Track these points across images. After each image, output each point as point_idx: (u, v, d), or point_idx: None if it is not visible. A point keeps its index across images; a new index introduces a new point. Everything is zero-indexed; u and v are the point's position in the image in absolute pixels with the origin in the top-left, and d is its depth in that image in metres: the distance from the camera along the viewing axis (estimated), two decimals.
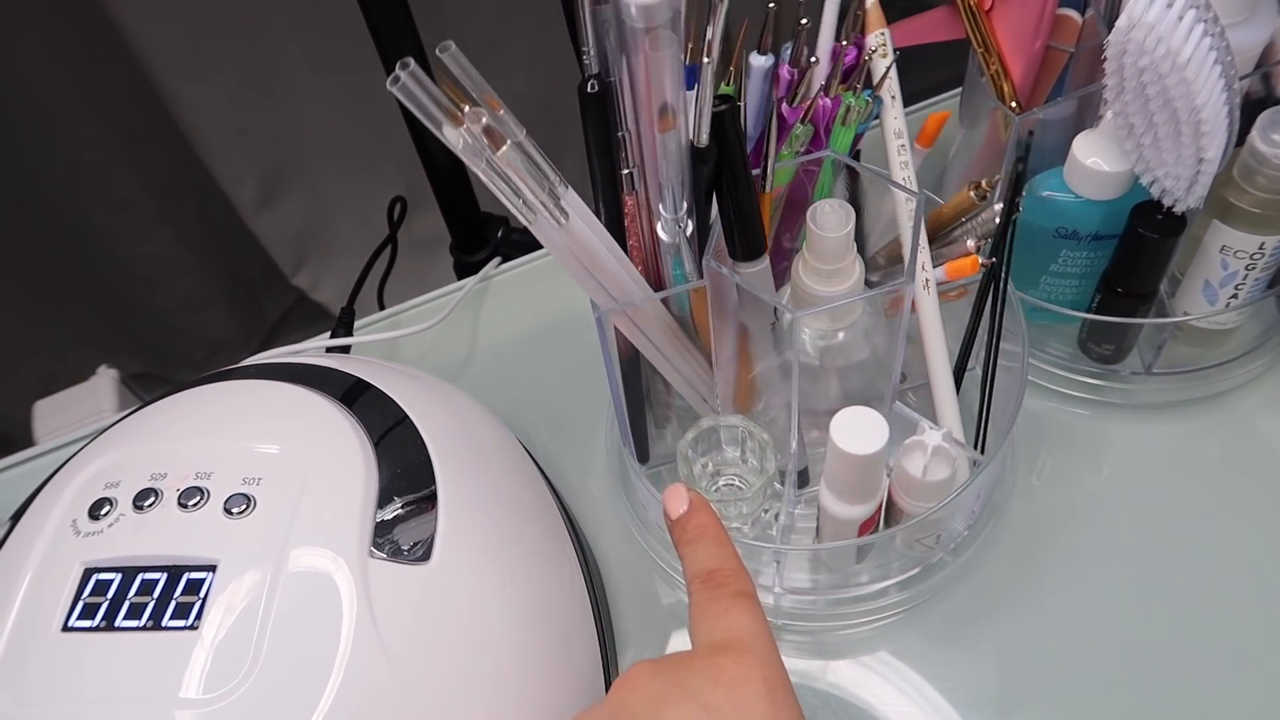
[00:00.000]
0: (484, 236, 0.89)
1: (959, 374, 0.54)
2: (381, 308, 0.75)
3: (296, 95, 1.21)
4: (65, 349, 1.33)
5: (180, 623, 0.38)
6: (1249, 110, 0.52)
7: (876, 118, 0.52)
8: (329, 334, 0.70)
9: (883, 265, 0.56)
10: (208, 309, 1.39)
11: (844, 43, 0.50)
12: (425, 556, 0.42)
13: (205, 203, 1.29)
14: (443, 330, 0.71)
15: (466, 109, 0.35)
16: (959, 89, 0.67)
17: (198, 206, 1.29)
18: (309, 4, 1.13)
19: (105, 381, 1.02)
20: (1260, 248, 0.55)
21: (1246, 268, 0.56)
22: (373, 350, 0.71)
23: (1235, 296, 0.58)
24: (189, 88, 1.16)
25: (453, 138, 0.36)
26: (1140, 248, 0.55)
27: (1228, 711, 0.52)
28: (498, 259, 0.76)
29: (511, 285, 0.76)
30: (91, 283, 1.30)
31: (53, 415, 0.97)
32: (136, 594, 0.39)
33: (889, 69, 0.51)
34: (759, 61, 0.48)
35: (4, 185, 1.16)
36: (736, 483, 0.56)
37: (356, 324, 0.72)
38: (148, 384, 1.39)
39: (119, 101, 1.15)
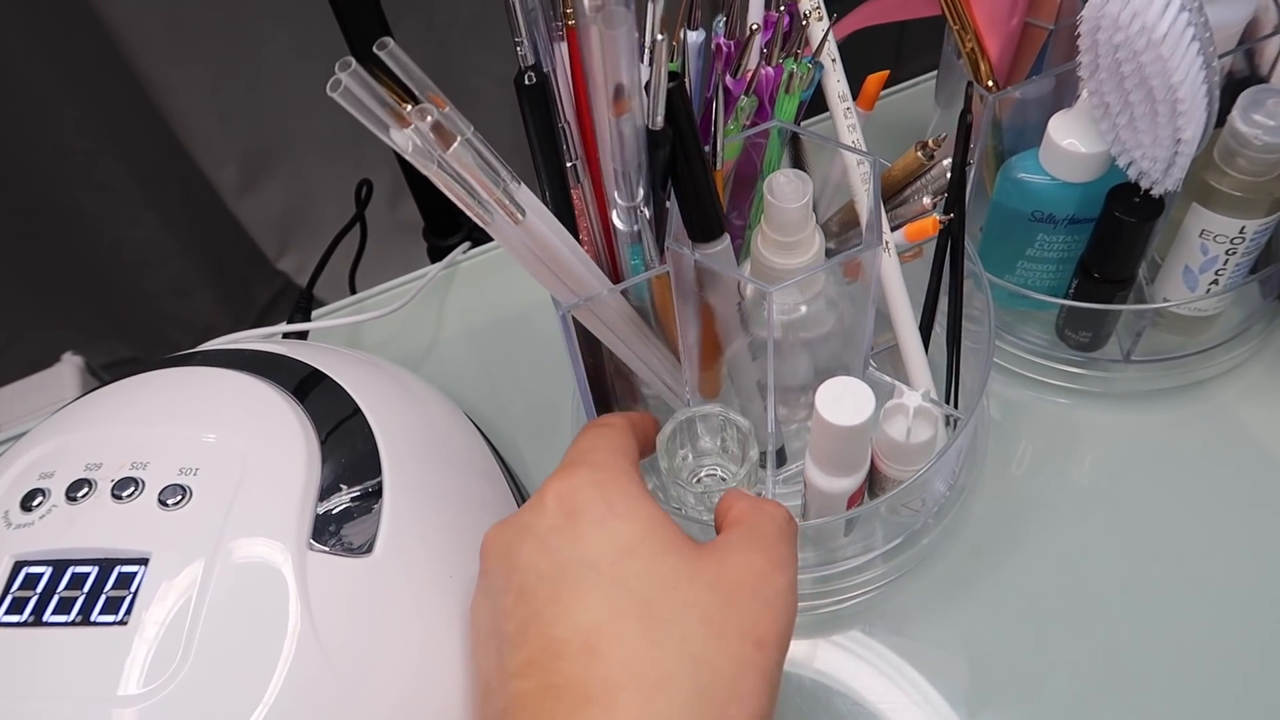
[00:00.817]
0: (456, 222, 0.88)
1: (926, 331, 0.53)
2: (353, 292, 0.74)
3: (278, 79, 1.20)
4: (51, 334, 1.32)
5: (110, 618, 0.37)
6: (1232, 89, 0.51)
7: (817, 83, 0.51)
8: (287, 320, 0.69)
9: (836, 232, 0.55)
10: (195, 294, 1.38)
11: (779, 9, 0.49)
12: (368, 549, 0.41)
13: (189, 187, 1.28)
14: (408, 316, 0.70)
15: (410, 108, 0.34)
16: (934, 71, 0.66)
17: (182, 191, 1.29)
18: None
19: (68, 369, 1.01)
20: (1241, 232, 0.54)
21: (1227, 252, 0.55)
22: (336, 335, 0.70)
23: (1216, 282, 0.57)
24: (170, 72, 1.15)
25: (401, 141, 0.35)
26: (1117, 232, 0.54)
27: (1207, 696, 0.51)
28: (466, 244, 0.75)
29: (480, 270, 0.75)
30: (77, 267, 1.30)
31: (14, 402, 0.97)
32: (66, 588, 0.38)
33: (827, 33, 0.50)
34: (693, 36, 0.47)
35: None
36: (719, 473, 0.55)
37: (323, 308, 0.71)
38: (133, 369, 1.39)
39: (101, 86, 1.15)
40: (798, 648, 0.54)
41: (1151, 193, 0.52)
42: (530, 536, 0.36)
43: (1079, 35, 0.49)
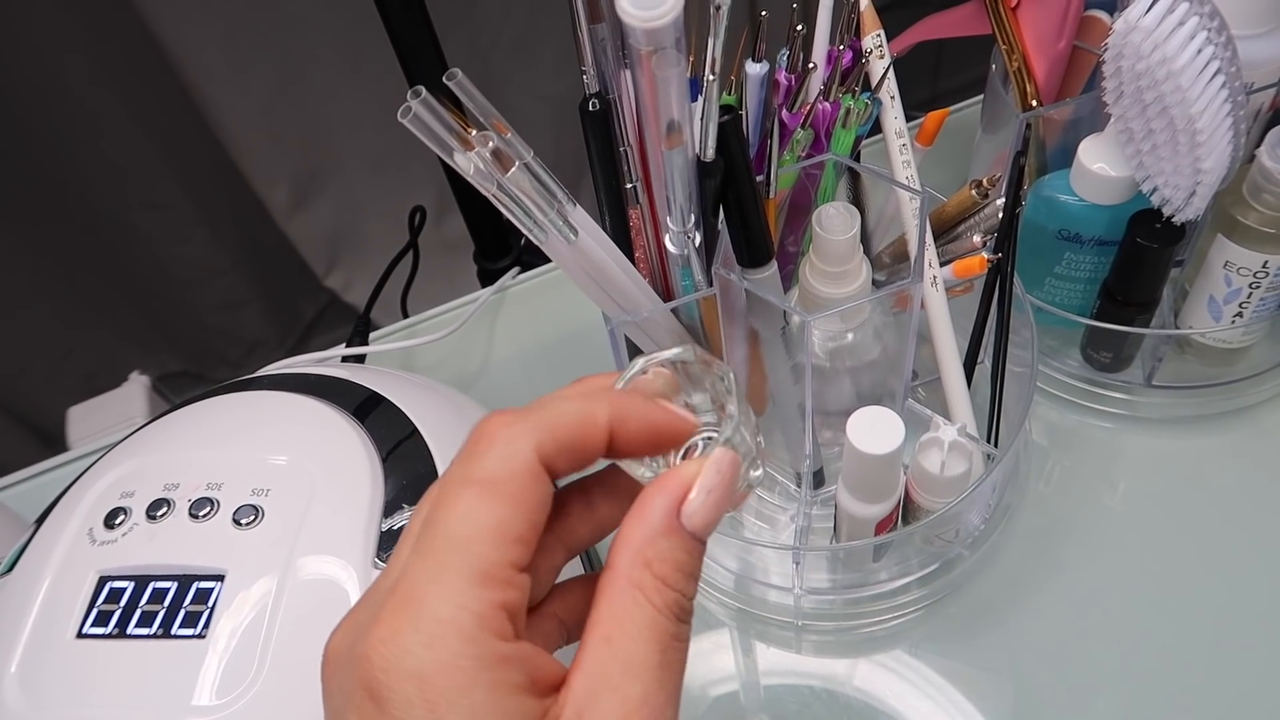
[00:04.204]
0: (506, 244, 0.90)
1: (969, 369, 0.54)
2: (405, 314, 0.76)
3: (328, 100, 1.23)
4: (106, 348, 1.35)
5: (189, 631, 0.39)
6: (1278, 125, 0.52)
7: (877, 119, 0.52)
8: (345, 343, 0.71)
9: (888, 264, 0.56)
10: (243, 309, 1.41)
11: (840, 46, 0.50)
12: None
13: (240, 205, 1.31)
14: (460, 339, 0.72)
15: (474, 134, 0.36)
16: (981, 95, 0.67)
17: (233, 209, 1.31)
18: (340, 10, 1.14)
19: (136, 388, 1.04)
20: (1264, 266, 0.54)
21: (1251, 285, 0.55)
22: (390, 359, 0.72)
23: (1240, 314, 0.57)
24: (223, 93, 1.18)
25: (464, 164, 0.36)
26: (1138, 256, 0.55)
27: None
28: (516, 269, 0.77)
29: (530, 294, 0.77)
30: (131, 283, 1.32)
31: (85, 420, 1.00)
32: (148, 602, 0.40)
33: (886, 70, 0.51)
34: (754, 69, 0.49)
35: (45, 189, 1.18)
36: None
37: (377, 331, 0.72)
38: (185, 383, 1.42)
39: (156, 107, 1.17)
40: (837, 665, 0.55)
41: (1173, 220, 0.52)
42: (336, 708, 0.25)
43: (1103, 62, 0.50)
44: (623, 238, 0.47)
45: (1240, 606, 0.55)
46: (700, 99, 0.40)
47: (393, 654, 0.24)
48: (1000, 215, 0.52)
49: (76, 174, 1.18)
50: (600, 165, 0.46)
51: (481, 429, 0.27)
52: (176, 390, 1.39)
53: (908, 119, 0.53)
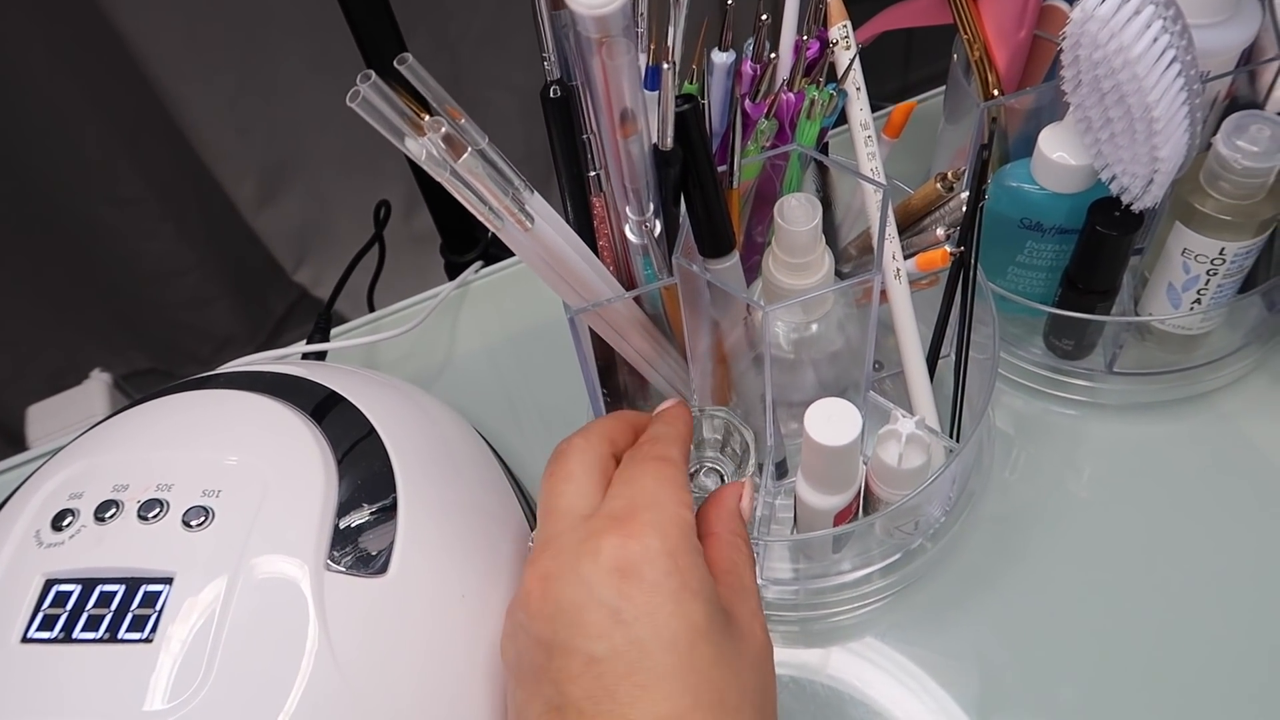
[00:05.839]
0: (474, 238, 0.89)
1: (932, 362, 0.54)
2: (371, 309, 0.75)
3: (295, 94, 1.22)
4: (72, 346, 1.34)
5: (136, 635, 0.38)
6: (1233, 112, 0.52)
7: (842, 111, 0.52)
8: (305, 340, 0.70)
9: (855, 256, 0.56)
10: (212, 305, 1.40)
11: (806, 37, 0.50)
12: (383, 569, 0.43)
13: (207, 200, 1.30)
14: (423, 334, 0.72)
15: (427, 119, 0.36)
16: (944, 85, 0.67)
17: (200, 204, 1.30)
18: (306, 3, 1.13)
19: (98, 385, 1.03)
20: (1220, 253, 0.54)
21: (1208, 272, 0.56)
22: (352, 355, 0.71)
23: (1199, 301, 0.58)
24: (188, 87, 1.17)
25: (415, 149, 0.36)
26: (1098, 244, 0.55)
27: (1212, 703, 0.52)
28: (479, 263, 0.77)
29: (493, 288, 0.77)
30: (97, 280, 1.31)
31: (45, 419, 0.99)
32: (94, 606, 0.39)
33: (852, 61, 0.51)
34: (721, 58, 0.49)
35: (8, 185, 1.17)
36: (720, 469, 0.56)
37: (340, 327, 0.72)
38: (154, 380, 1.41)
39: (120, 101, 1.16)
40: (810, 655, 0.55)
41: (1132, 208, 0.53)
42: (594, 599, 0.35)
43: (1061, 51, 0.50)
44: (586, 226, 0.47)
45: (1200, 590, 0.55)
46: (660, 87, 0.40)
47: (640, 545, 0.35)
48: (964, 209, 0.52)
49: (39, 169, 1.17)
50: (563, 152, 0.45)
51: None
52: (144, 388, 1.37)
53: (877, 110, 0.53)
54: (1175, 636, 0.54)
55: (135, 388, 1.21)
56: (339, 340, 0.71)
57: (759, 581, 0.54)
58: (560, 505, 0.39)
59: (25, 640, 0.39)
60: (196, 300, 1.37)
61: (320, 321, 0.70)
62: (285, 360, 0.60)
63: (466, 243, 0.90)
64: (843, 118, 0.52)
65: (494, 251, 0.85)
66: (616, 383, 0.55)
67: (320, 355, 0.68)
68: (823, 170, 0.54)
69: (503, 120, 1.31)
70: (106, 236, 1.26)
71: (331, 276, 1.45)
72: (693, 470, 0.56)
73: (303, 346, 0.68)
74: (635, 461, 0.40)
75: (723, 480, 0.55)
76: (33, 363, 1.33)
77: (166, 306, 1.36)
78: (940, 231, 0.52)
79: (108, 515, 0.42)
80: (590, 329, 0.48)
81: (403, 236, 1.32)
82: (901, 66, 1.40)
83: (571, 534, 0.37)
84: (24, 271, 1.25)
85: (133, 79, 1.14)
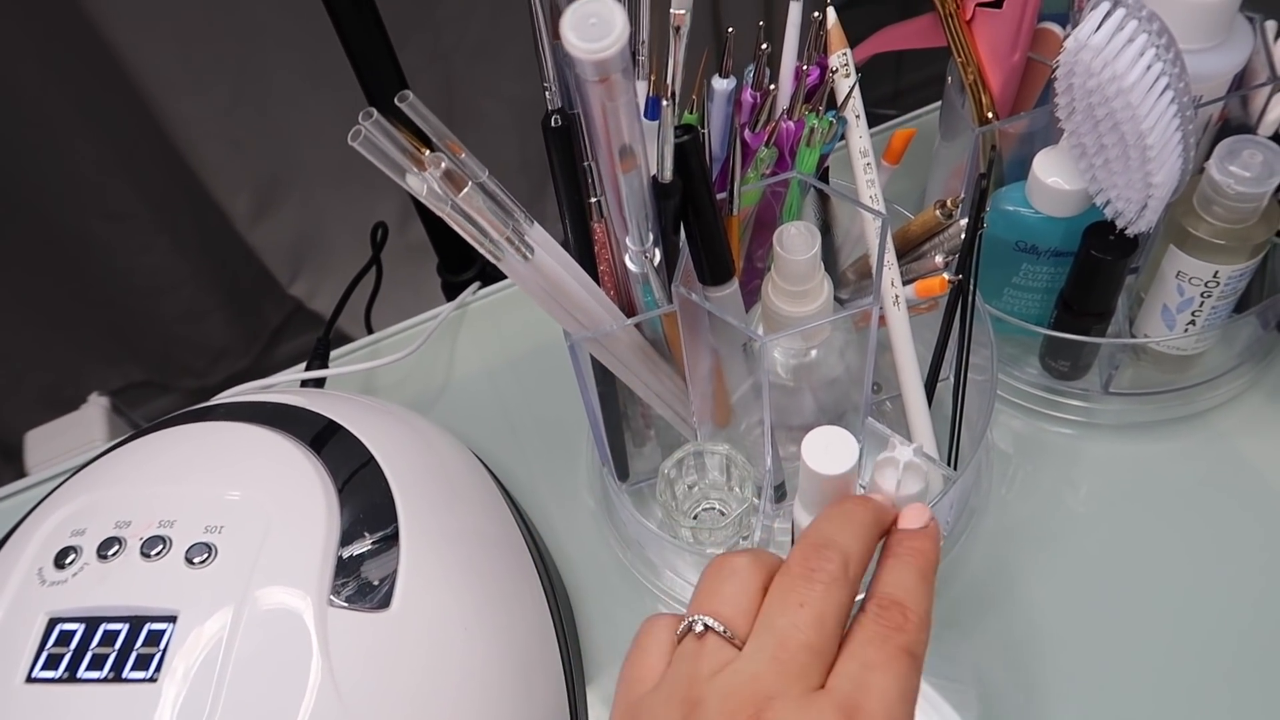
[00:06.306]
0: (470, 257, 0.89)
1: (930, 387, 0.54)
2: (369, 329, 0.75)
3: (289, 107, 1.22)
4: (67, 360, 1.34)
5: (140, 674, 0.39)
6: (1227, 136, 0.52)
7: (842, 138, 0.52)
8: (304, 365, 0.70)
9: (853, 281, 0.56)
10: (208, 318, 1.40)
11: (805, 64, 0.50)
12: (385, 604, 0.43)
13: (201, 214, 1.30)
14: (422, 357, 0.71)
15: (427, 154, 0.36)
16: (936, 93, 0.67)
17: (194, 218, 1.30)
18: (300, 17, 1.13)
19: (95, 410, 1.03)
20: (1215, 276, 0.55)
21: (1202, 295, 0.56)
22: (350, 381, 0.71)
23: (1193, 322, 0.58)
24: (182, 102, 1.17)
25: (415, 185, 0.36)
26: (1093, 268, 0.56)
27: None
28: (476, 284, 0.77)
29: (492, 309, 0.76)
30: (92, 294, 1.31)
31: (44, 444, 0.98)
32: (99, 645, 0.39)
33: (852, 89, 0.51)
34: (721, 85, 0.49)
35: (3, 201, 1.17)
36: (718, 507, 0.56)
37: (338, 350, 0.72)
38: (150, 393, 1.41)
39: (114, 116, 1.16)
40: None
41: (1126, 232, 0.53)
42: None
43: (1055, 78, 0.50)
44: (586, 252, 0.47)
45: (1197, 607, 0.55)
46: (659, 120, 0.40)
47: None
48: (963, 237, 0.52)
49: (33, 185, 1.17)
50: (564, 181, 0.46)
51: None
52: (140, 402, 1.38)
53: (872, 117, 0.53)
54: (1173, 654, 0.54)
55: (131, 401, 1.21)
56: (338, 366, 0.71)
57: None
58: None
59: (30, 680, 0.39)
60: (191, 313, 1.37)
61: (319, 347, 0.70)
62: (284, 389, 0.60)
63: (463, 262, 0.90)
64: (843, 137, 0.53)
65: (491, 271, 0.85)
66: (616, 403, 0.55)
67: (319, 382, 0.68)
68: (822, 195, 0.54)
69: (498, 130, 1.31)
70: (101, 251, 1.26)
71: (326, 289, 1.46)
72: (695, 512, 0.56)
73: (301, 373, 0.68)
74: (886, 644, 0.35)
75: (722, 515, 0.55)
76: (27, 377, 1.32)
77: (161, 320, 1.36)
78: (939, 259, 0.52)
79: (110, 553, 0.42)
80: (590, 355, 0.48)
81: (398, 249, 1.31)
82: (894, 72, 1.40)
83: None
84: (18, 286, 1.25)
85: (125, 93, 1.14)
